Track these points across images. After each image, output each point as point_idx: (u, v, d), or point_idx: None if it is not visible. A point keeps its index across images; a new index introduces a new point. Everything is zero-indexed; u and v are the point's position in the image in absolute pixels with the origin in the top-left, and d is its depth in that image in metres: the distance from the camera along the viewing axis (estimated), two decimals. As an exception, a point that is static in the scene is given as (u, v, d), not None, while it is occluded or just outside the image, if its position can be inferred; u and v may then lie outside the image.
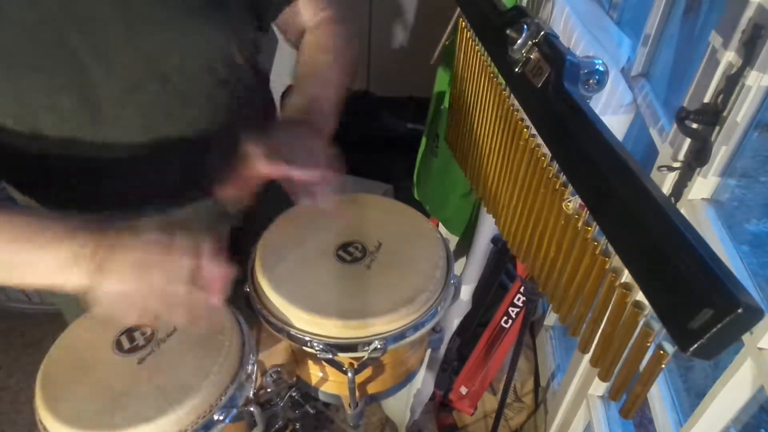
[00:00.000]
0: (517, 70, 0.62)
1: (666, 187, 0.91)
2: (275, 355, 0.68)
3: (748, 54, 0.71)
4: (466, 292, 1.48)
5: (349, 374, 0.64)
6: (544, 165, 0.62)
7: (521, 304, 1.51)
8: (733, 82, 0.74)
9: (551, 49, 0.59)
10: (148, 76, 0.66)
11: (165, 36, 0.66)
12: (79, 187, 0.71)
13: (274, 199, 0.68)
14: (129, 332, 0.59)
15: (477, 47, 0.78)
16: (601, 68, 0.58)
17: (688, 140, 0.84)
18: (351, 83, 0.78)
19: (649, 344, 0.47)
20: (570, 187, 0.57)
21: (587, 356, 0.58)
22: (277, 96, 0.93)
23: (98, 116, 0.66)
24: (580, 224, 0.56)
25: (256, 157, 0.60)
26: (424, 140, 1.43)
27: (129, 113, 0.67)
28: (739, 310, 0.34)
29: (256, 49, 0.79)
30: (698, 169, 0.84)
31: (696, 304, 0.36)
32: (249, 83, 0.78)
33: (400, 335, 0.62)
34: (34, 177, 0.71)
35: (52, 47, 0.61)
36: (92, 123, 0.66)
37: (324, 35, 0.80)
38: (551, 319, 1.78)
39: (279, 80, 0.81)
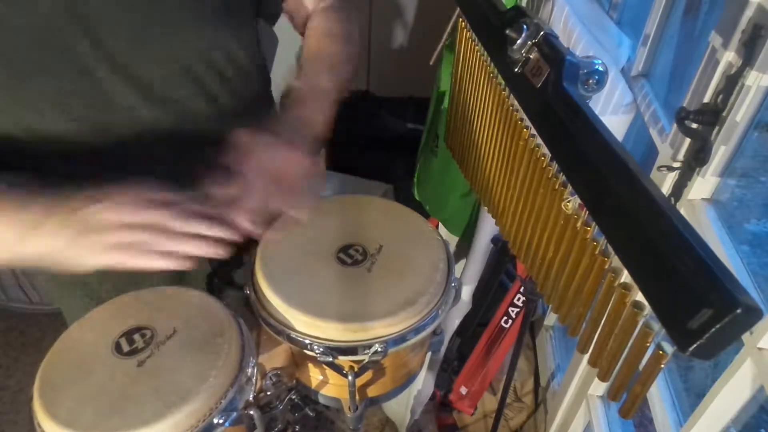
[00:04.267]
0: (516, 70, 0.62)
1: (666, 187, 0.91)
2: (275, 357, 0.68)
3: (748, 54, 0.71)
4: (466, 292, 1.48)
5: (350, 377, 0.64)
6: (544, 165, 0.62)
7: (521, 304, 1.51)
8: (732, 82, 0.74)
9: (551, 49, 0.59)
10: (154, 77, 0.66)
11: (171, 38, 0.66)
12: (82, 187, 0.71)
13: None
14: (128, 334, 0.59)
15: (477, 47, 0.78)
16: (600, 68, 0.58)
17: (687, 140, 0.83)
18: (353, 73, 0.80)
19: (648, 344, 0.46)
20: (569, 187, 0.57)
21: (587, 356, 0.58)
22: (277, 96, 0.93)
23: (106, 118, 0.66)
24: (579, 224, 0.56)
25: (244, 145, 0.61)
26: (424, 140, 1.43)
27: (137, 114, 0.67)
28: (738, 310, 0.34)
29: (257, 45, 0.80)
30: (698, 169, 0.84)
31: (695, 304, 0.36)
32: (252, 82, 0.78)
33: (400, 338, 0.62)
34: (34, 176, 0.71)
35: (59, 52, 0.61)
36: (101, 125, 0.66)
37: (328, 21, 0.83)
38: (551, 319, 1.78)
39: (279, 80, 0.82)
